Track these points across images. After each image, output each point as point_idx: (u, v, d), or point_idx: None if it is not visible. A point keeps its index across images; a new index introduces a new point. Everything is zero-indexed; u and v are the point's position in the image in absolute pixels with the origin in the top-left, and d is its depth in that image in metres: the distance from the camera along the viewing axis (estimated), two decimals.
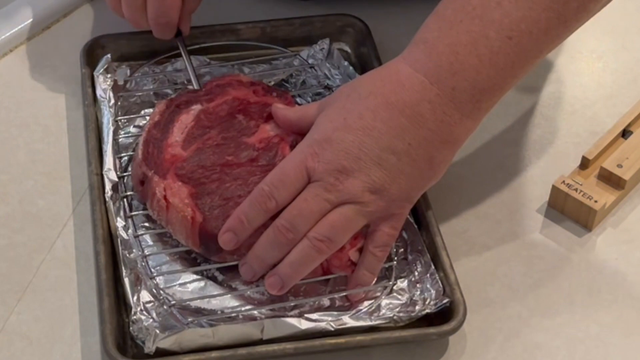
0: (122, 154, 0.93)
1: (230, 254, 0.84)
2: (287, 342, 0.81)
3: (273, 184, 0.82)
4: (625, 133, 0.96)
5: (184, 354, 0.80)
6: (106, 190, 0.89)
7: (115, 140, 0.93)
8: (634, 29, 1.11)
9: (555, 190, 0.92)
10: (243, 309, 0.83)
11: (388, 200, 0.82)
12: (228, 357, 0.80)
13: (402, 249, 0.88)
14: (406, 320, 0.83)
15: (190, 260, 0.87)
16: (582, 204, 0.91)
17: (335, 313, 0.83)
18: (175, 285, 0.85)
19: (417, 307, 0.83)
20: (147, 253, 0.86)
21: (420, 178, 0.82)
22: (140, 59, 1.00)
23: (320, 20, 1.05)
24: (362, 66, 1.03)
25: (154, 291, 0.83)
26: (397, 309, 0.83)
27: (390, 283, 0.85)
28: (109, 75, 0.98)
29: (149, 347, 0.80)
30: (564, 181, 0.92)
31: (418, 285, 0.85)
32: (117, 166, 0.91)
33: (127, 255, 0.85)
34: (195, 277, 0.85)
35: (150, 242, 0.88)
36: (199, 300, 0.83)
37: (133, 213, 0.89)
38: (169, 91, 0.99)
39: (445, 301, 0.83)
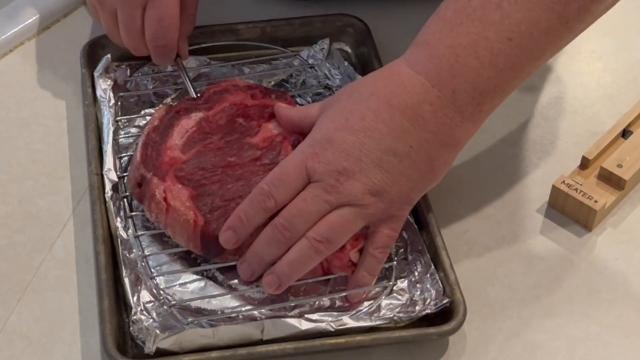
0: (122, 154, 0.93)
1: (231, 254, 0.84)
2: (287, 342, 0.81)
3: (273, 183, 0.82)
4: (625, 133, 0.96)
5: (184, 354, 0.80)
6: (106, 191, 0.89)
7: (115, 140, 0.93)
8: (634, 29, 1.11)
9: (555, 190, 0.92)
10: (243, 309, 0.83)
11: (388, 202, 0.82)
12: (228, 357, 0.80)
13: (402, 249, 0.88)
14: (406, 320, 0.83)
15: (190, 260, 0.87)
16: (582, 204, 0.91)
17: (335, 313, 0.83)
18: (175, 286, 0.85)
19: (417, 308, 0.83)
20: (147, 253, 0.86)
21: (420, 180, 0.82)
22: (140, 59, 1.00)
23: (320, 20, 1.05)
24: (362, 66, 1.03)
25: (154, 291, 0.83)
26: (397, 309, 0.83)
27: (390, 283, 0.85)
28: (109, 75, 0.98)
29: (149, 348, 0.80)
30: (564, 181, 0.92)
31: (418, 285, 0.85)
32: (117, 166, 0.91)
33: (127, 255, 0.85)
34: (195, 277, 0.85)
35: (150, 242, 0.88)
36: (199, 301, 0.83)
37: (133, 213, 0.89)
38: (169, 91, 0.99)
39: (445, 301, 0.83)
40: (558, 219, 0.93)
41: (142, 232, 0.88)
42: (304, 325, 0.81)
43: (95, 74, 0.98)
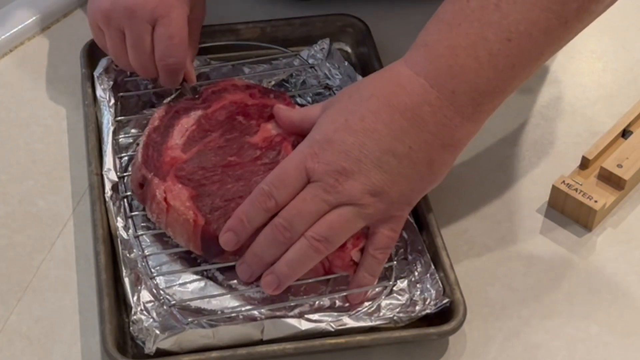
0: (122, 154, 0.93)
1: (232, 255, 0.84)
2: (287, 342, 0.81)
3: (273, 183, 0.82)
4: (625, 133, 0.96)
5: (184, 354, 0.80)
6: (106, 191, 0.89)
7: (115, 140, 0.93)
8: (634, 29, 1.11)
9: (555, 190, 0.92)
10: (243, 309, 0.83)
11: (388, 203, 0.82)
12: (228, 357, 0.80)
13: (402, 249, 0.88)
14: (406, 320, 0.83)
15: (190, 260, 0.87)
16: (582, 204, 0.91)
17: (335, 314, 0.83)
18: (175, 285, 0.85)
19: (417, 308, 0.83)
20: (147, 253, 0.86)
21: (420, 181, 0.82)
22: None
23: (320, 20, 1.05)
24: (362, 66, 1.03)
25: (154, 291, 0.83)
26: (397, 310, 0.83)
27: (390, 283, 0.85)
28: (109, 76, 0.98)
29: (149, 348, 0.80)
30: (564, 181, 0.92)
31: (418, 285, 0.85)
32: (117, 166, 0.91)
33: (127, 255, 0.85)
34: (195, 277, 0.85)
35: (150, 242, 0.88)
36: (199, 301, 0.83)
37: (133, 213, 0.89)
38: (169, 91, 0.99)
39: (445, 301, 0.83)
40: (558, 219, 0.93)
41: (142, 232, 0.88)
42: (304, 325, 0.81)
43: (95, 74, 0.98)
